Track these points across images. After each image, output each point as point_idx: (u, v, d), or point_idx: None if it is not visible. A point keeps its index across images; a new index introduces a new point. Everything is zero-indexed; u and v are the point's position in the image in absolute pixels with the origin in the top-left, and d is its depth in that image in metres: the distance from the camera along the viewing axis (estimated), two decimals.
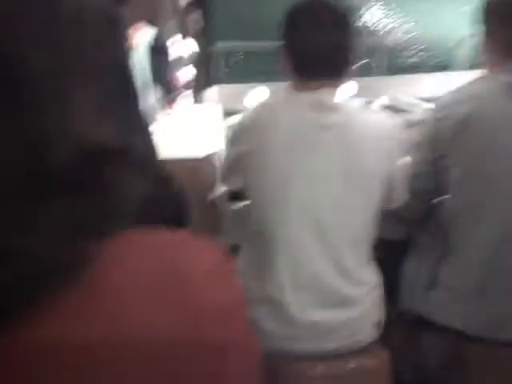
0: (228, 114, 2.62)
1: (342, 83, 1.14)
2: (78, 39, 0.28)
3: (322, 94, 1.10)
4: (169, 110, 2.17)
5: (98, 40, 0.30)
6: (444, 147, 1.24)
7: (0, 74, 0.24)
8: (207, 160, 1.60)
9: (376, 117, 1.20)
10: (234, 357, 0.29)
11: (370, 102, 2.68)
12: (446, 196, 1.30)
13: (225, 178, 1.20)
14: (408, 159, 1.38)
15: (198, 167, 1.57)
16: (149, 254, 0.28)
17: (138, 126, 0.77)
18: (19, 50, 0.24)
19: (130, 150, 0.31)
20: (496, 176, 1.21)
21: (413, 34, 5.73)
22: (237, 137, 1.13)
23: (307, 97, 1.10)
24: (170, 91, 2.10)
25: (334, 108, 1.10)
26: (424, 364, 1.33)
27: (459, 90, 1.30)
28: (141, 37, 1.83)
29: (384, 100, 2.65)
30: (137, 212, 0.29)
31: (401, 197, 1.22)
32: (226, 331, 0.29)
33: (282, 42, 1.15)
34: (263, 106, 1.20)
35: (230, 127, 2.10)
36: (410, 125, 2.23)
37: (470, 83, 1.30)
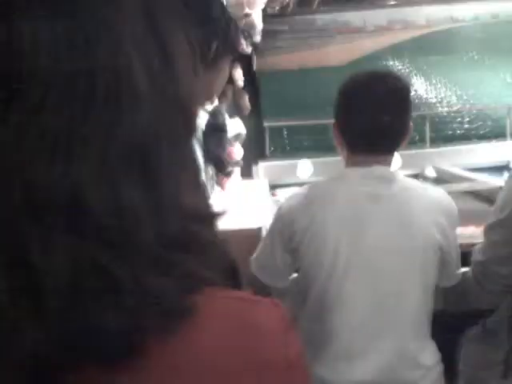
0: (274, 187, 2.71)
1: (393, 157, 1.14)
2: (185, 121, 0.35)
3: (374, 168, 1.10)
4: (221, 187, 2.26)
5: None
6: None
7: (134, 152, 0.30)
8: (256, 233, 1.64)
9: (431, 190, 1.16)
10: None
11: (416, 175, 2.71)
12: None
13: (272, 255, 1.18)
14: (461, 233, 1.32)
15: (247, 239, 1.61)
16: (230, 307, 0.32)
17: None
18: (148, 134, 0.30)
19: (214, 215, 0.36)
20: None
21: (458, 105, 5.79)
22: (291, 215, 1.12)
23: (360, 171, 1.11)
24: (222, 168, 2.20)
25: (387, 180, 1.09)
26: None
27: None
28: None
29: (430, 171, 2.66)
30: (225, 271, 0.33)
31: (457, 274, 1.19)
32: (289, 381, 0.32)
33: (334, 119, 1.13)
34: (316, 184, 1.20)
35: (279, 202, 2.16)
36: (461, 195, 2.22)
37: None
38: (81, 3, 0.29)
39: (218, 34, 0.93)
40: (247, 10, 4.44)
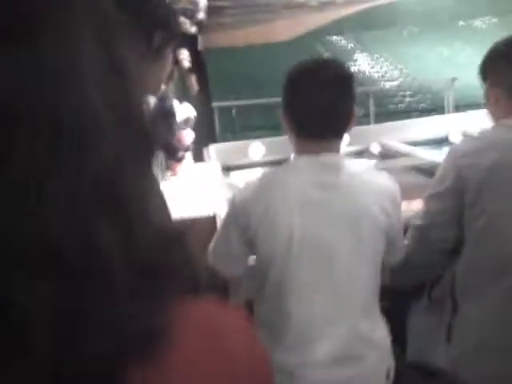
0: (227, 169, 2.72)
1: (341, 142, 1.18)
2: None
3: (324, 156, 1.13)
4: (172, 172, 2.24)
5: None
6: (470, 196, 1.20)
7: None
8: (208, 219, 1.65)
9: (375, 176, 1.20)
10: None
11: (361, 151, 2.79)
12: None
13: (228, 245, 1.19)
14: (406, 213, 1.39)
15: (202, 227, 1.62)
16: (200, 321, 0.34)
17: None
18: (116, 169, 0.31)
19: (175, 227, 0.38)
20: None
21: (399, 80, 5.96)
22: (245, 206, 1.14)
23: (308, 159, 1.14)
24: (173, 154, 2.18)
25: (334, 168, 1.13)
26: None
27: (480, 137, 1.28)
28: None
29: (375, 148, 2.75)
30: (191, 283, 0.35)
31: (401, 249, 1.26)
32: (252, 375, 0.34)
33: (282, 105, 1.16)
34: (267, 174, 1.22)
35: (232, 186, 2.17)
36: (404, 170, 2.31)
37: (490, 131, 1.29)
38: (42, 35, 0.29)
39: (159, 25, 0.92)
40: None
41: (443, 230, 1.25)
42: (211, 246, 1.21)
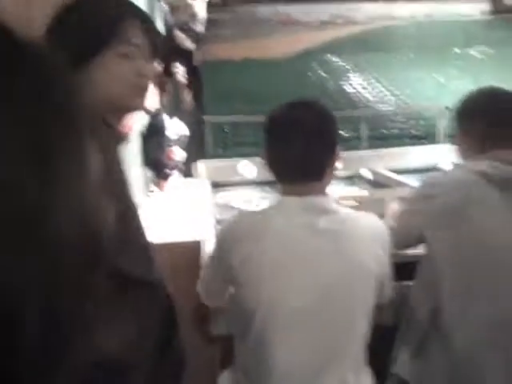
0: (215, 186, 2.68)
1: (327, 183, 1.13)
2: None
3: (310, 198, 1.09)
4: (160, 188, 2.20)
5: None
6: (430, 226, 1.26)
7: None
8: (194, 245, 1.61)
9: (364, 220, 1.14)
10: None
11: (352, 176, 2.78)
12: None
13: (213, 280, 1.18)
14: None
15: (185, 252, 1.59)
16: None
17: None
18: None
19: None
20: (483, 263, 1.22)
21: (393, 104, 5.99)
22: (230, 246, 1.10)
23: (298, 201, 1.09)
24: (161, 172, 2.15)
25: (321, 211, 1.08)
26: None
27: (447, 174, 1.42)
28: (135, 122, 1.90)
29: (366, 173, 2.74)
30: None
31: (391, 290, 1.22)
32: None
33: (264, 152, 1.13)
34: (254, 214, 1.17)
35: (219, 207, 2.14)
36: (393, 201, 2.29)
37: (456, 169, 1.39)
38: None
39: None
40: (188, 0, 4.32)
41: (407, 240, 1.35)
42: (201, 274, 1.21)
